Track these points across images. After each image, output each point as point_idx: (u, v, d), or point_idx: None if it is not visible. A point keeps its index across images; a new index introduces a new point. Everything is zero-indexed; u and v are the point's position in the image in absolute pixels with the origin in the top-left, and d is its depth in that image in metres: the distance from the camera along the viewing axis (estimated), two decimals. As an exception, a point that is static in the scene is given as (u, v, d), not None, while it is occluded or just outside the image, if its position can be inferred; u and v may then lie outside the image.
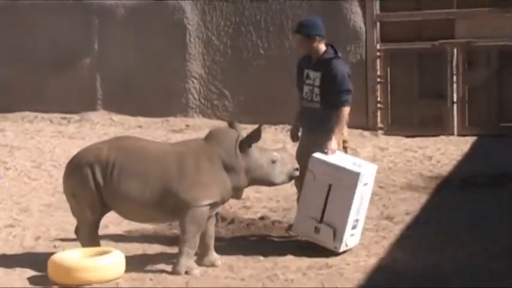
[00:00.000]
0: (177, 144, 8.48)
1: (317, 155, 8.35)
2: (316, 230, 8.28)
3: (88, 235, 8.10)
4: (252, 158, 7.95)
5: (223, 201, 8.02)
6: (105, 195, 7.89)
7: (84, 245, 8.09)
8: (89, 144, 8.61)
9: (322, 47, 8.68)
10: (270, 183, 8.21)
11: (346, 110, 8.64)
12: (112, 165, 7.85)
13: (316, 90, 8.64)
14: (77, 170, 8.00)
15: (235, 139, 7.96)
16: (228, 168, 7.85)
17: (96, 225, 8.13)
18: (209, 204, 7.77)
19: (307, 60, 8.81)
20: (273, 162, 8.03)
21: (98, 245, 8.09)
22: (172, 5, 17.56)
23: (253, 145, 8.00)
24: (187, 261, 7.77)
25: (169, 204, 7.77)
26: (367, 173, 8.34)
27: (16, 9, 18.30)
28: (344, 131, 8.90)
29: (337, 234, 8.18)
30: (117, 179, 7.82)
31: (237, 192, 8.06)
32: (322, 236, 8.26)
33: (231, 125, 8.30)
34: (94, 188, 7.89)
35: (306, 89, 8.76)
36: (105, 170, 7.85)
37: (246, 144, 7.93)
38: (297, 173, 8.20)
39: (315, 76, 8.65)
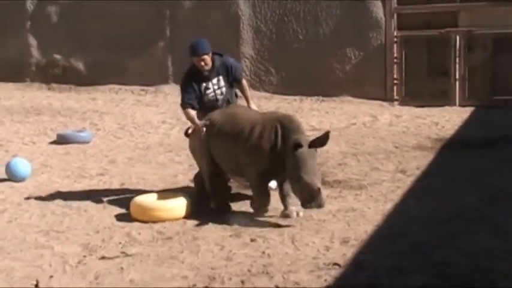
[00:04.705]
0: (262, 113, 7.89)
1: None
2: None
3: (210, 183, 7.93)
4: (290, 159, 7.09)
5: (273, 173, 7.38)
6: (211, 149, 7.78)
7: (208, 190, 7.99)
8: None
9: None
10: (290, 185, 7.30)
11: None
12: (215, 125, 7.71)
13: (222, 90, 8.16)
14: (195, 130, 7.93)
15: (290, 129, 7.22)
16: (277, 149, 7.25)
17: (215, 175, 7.86)
18: (261, 171, 7.33)
19: (198, 75, 8.08)
20: (297, 180, 7.04)
21: (226, 190, 8.02)
22: (228, 0, 17.53)
23: (301, 157, 7.02)
24: (259, 215, 7.49)
25: (237, 163, 7.57)
26: None
27: (104, 2, 18.39)
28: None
29: None
30: (215, 137, 7.68)
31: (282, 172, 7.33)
32: None
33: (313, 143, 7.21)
34: (205, 144, 7.80)
35: (207, 97, 8.11)
36: (212, 129, 7.73)
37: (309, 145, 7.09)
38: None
39: (216, 81, 8.13)
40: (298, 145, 7.03)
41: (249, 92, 8.61)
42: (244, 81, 8.51)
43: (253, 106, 8.42)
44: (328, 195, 8.48)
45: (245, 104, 8.44)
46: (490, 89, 15.96)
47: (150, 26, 18.10)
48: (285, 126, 7.24)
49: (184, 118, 8.45)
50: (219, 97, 8.22)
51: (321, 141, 7.15)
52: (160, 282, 5.87)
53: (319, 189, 7.02)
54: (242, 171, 7.66)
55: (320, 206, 7.08)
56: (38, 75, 19.36)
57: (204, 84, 8.12)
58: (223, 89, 8.23)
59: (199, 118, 8.03)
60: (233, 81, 8.33)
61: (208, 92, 8.14)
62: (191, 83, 8.10)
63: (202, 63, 8.05)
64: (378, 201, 8.30)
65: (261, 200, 7.55)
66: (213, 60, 8.11)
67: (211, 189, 7.97)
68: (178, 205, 7.69)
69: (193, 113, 8.05)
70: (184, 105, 8.09)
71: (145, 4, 18.08)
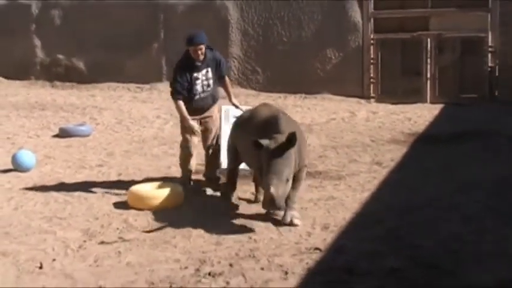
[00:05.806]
0: (268, 111, 7.40)
1: (234, 110, 8.25)
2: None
3: (228, 176, 7.82)
4: (262, 153, 6.73)
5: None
6: (237, 147, 7.55)
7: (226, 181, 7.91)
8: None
9: None
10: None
11: None
12: (240, 122, 7.58)
13: (209, 81, 8.07)
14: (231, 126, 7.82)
15: (271, 129, 6.84)
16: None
17: (235, 166, 7.72)
18: (258, 169, 6.95)
19: (190, 65, 7.95)
20: (257, 169, 6.75)
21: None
22: (219, 4, 17.46)
23: (268, 156, 6.60)
24: (290, 211, 6.98)
25: (251, 160, 7.27)
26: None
27: (103, 7, 18.30)
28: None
29: None
30: (238, 132, 7.51)
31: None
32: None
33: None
34: (232, 139, 7.63)
35: (196, 87, 7.98)
36: (238, 125, 7.58)
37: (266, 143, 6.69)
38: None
39: (205, 72, 8.02)
40: (255, 143, 6.68)
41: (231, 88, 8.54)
42: (226, 78, 8.43)
43: (235, 101, 8.39)
44: (310, 184, 8.50)
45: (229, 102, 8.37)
46: (458, 87, 16.00)
47: (145, 28, 18.03)
48: (268, 126, 6.94)
49: (177, 113, 8.37)
50: (206, 89, 8.10)
51: (289, 141, 6.64)
52: (154, 265, 5.86)
53: (268, 188, 6.46)
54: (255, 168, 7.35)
55: (269, 206, 6.63)
56: (42, 73, 19.27)
57: (195, 74, 8.00)
58: (211, 81, 8.13)
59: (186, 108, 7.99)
60: (219, 76, 8.25)
61: (197, 82, 8.02)
62: (184, 72, 7.96)
63: (199, 53, 7.93)
64: (356, 190, 8.31)
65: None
66: (205, 53, 8.02)
67: (228, 181, 7.80)
68: (172, 194, 7.66)
69: (183, 106, 7.96)
70: (176, 95, 7.97)
71: (141, 7, 18.01)
